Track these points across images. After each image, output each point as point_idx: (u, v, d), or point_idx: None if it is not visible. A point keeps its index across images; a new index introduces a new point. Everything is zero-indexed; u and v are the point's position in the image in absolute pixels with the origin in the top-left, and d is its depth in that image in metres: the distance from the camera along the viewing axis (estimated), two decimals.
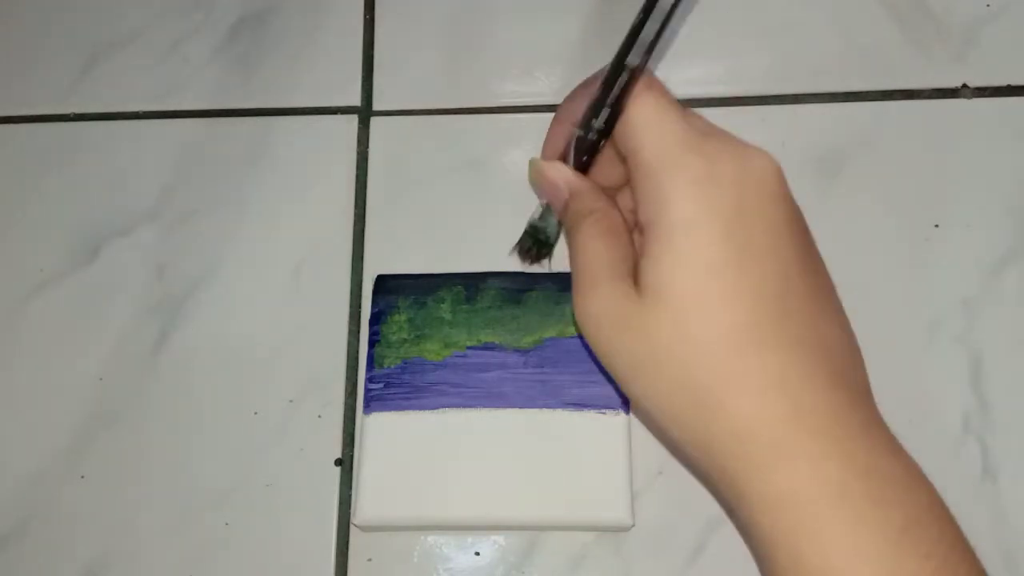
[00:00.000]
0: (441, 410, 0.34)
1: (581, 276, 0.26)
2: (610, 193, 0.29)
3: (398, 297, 0.37)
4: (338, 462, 0.36)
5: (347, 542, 0.35)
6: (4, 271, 0.40)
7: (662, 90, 0.26)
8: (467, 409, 0.34)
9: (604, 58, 0.41)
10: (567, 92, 0.41)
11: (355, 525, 0.34)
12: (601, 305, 0.25)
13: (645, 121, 0.25)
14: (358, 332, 0.38)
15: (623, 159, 0.27)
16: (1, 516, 0.36)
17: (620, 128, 0.26)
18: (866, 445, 0.23)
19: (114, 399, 0.37)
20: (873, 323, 0.36)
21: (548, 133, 0.30)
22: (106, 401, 0.37)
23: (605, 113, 0.27)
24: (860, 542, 0.22)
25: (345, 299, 0.38)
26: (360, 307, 0.38)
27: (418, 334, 0.36)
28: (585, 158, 0.28)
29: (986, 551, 0.33)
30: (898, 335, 0.36)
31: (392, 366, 0.35)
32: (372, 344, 0.36)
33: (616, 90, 0.26)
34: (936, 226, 0.38)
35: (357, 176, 0.40)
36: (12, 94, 0.43)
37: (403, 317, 0.36)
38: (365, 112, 0.41)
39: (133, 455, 0.36)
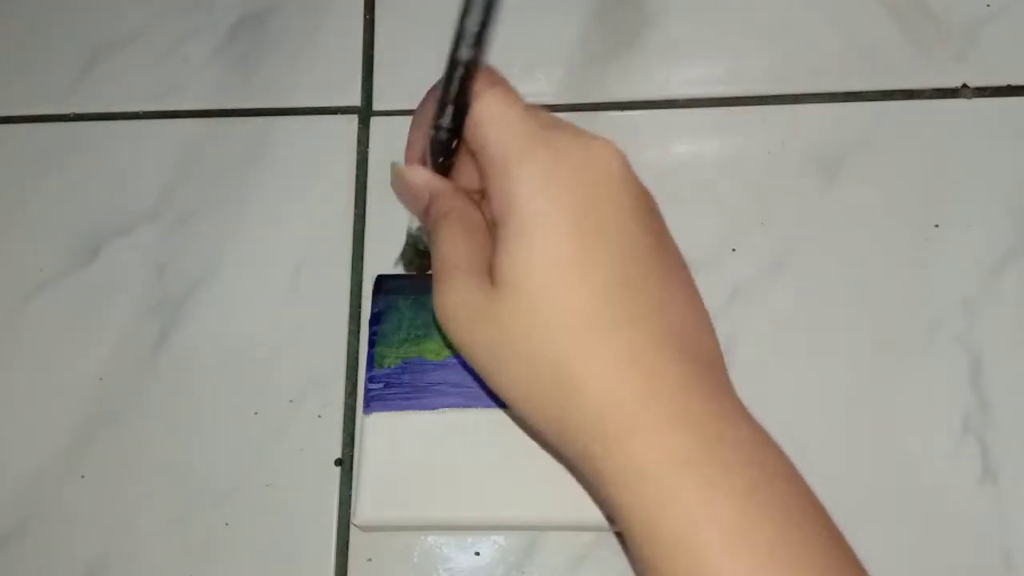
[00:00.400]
0: (441, 410, 0.34)
1: (439, 272, 0.27)
2: (475, 197, 0.29)
3: (398, 297, 0.37)
4: (338, 462, 0.36)
5: (347, 542, 0.35)
6: (4, 271, 0.40)
7: (505, 87, 0.27)
8: (467, 409, 0.34)
9: (604, 58, 0.41)
10: (567, 92, 0.41)
11: (355, 525, 0.34)
12: (458, 298, 0.26)
13: (489, 118, 0.26)
14: (358, 332, 0.38)
15: (474, 157, 0.27)
16: (1, 516, 0.36)
17: (468, 126, 0.27)
18: (712, 413, 0.24)
19: (114, 399, 0.37)
20: (873, 323, 0.36)
21: (407, 139, 0.30)
22: (106, 401, 0.37)
23: (449, 110, 0.27)
24: (709, 507, 0.22)
25: (345, 299, 0.38)
26: (360, 307, 0.38)
27: (418, 334, 0.36)
28: (442, 159, 0.29)
29: (986, 551, 0.33)
30: (898, 335, 0.36)
31: (392, 366, 0.35)
32: (372, 344, 0.36)
33: (454, 85, 0.26)
34: (936, 226, 0.38)
35: (357, 176, 0.40)
36: (12, 94, 0.43)
37: (403, 317, 0.36)
38: (365, 112, 0.41)
39: (133, 455, 0.36)
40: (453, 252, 0.27)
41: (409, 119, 0.41)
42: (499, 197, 0.25)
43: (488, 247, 0.27)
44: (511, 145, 0.25)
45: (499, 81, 0.27)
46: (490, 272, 0.26)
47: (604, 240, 0.25)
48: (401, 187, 0.30)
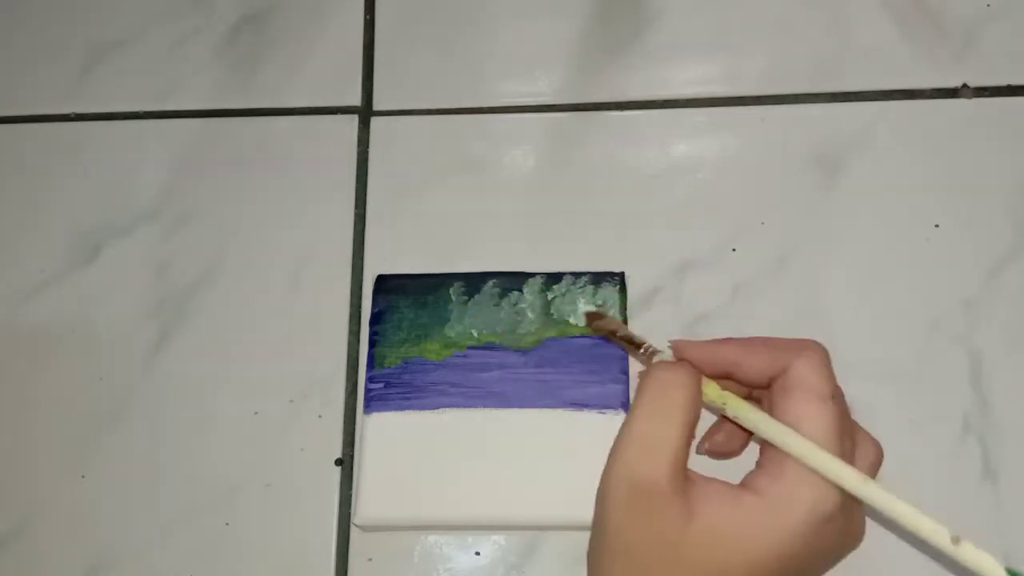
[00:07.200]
0: (441, 410, 0.34)
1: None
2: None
3: (398, 297, 0.37)
4: (338, 462, 0.36)
5: (347, 542, 0.35)
6: (4, 271, 0.40)
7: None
8: (467, 409, 0.34)
9: (604, 58, 0.41)
10: (567, 92, 0.41)
11: (355, 525, 0.34)
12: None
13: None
14: (358, 332, 0.38)
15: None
16: (1, 516, 0.36)
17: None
18: None
19: (114, 399, 0.37)
20: (873, 323, 0.36)
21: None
22: (106, 401, 0.37)
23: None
24: None
25: (345, 299, 0.38)
26: (360, 307, 0.38)
27: (418, 334, 0.36)
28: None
29: (986, 551, 0.33)
30: (898, 335, 0.36)
31: (392, 366, 0.35)
32: (372, 344, 0.36)
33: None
34: (936, 226, 0.38)
35: (357, 176, 0.40)
36: (12, 94, 0.43)
37: (403, 317, 0.36)
38: (365, 112, 0.41)
39: (133, 455, 0.36)
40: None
41: (409, 119, 0.41)
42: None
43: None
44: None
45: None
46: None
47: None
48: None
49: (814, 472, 0.27)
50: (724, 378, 0.31)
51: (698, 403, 0.29)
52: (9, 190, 0.41)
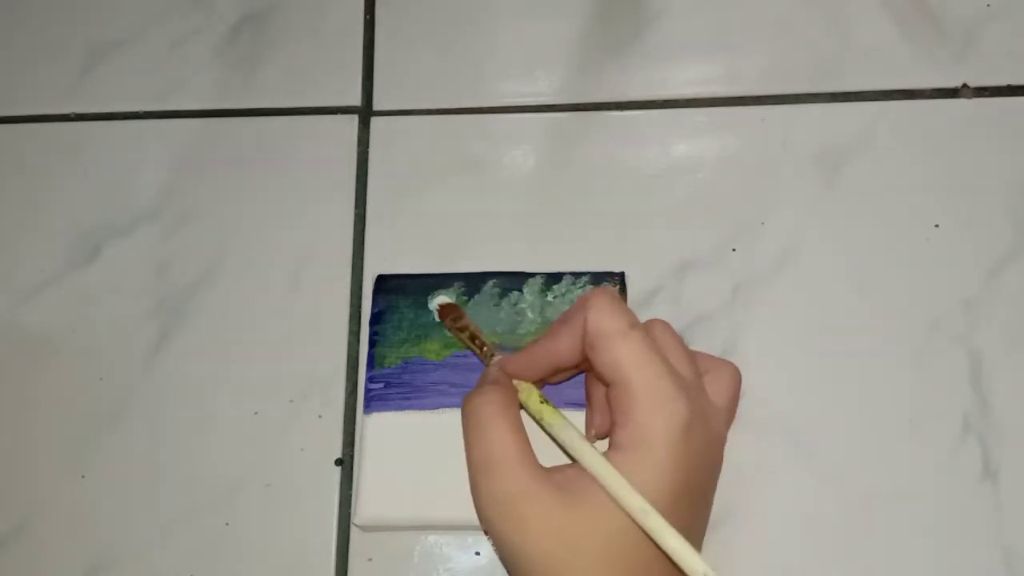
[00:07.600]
0: (441, 410, 0.34)
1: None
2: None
3: (398, 297, 0.37)
4: (338, 462, 0.36)
5: (347, 542, 0.35)
6: (4, 271, 0.40)
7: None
8: None
9: (604, 58, 0.41)
10: (567, 92, 0.41)
11: (355, 525, 0.34)
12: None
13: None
14: (358, 332, 0.38)
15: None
16: (1, 516, 0.36)
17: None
18: None
19: (114, 399, 0.37)
20: (873, 323, 0.36)
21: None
22: (106, 401, 0.37)
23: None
24: None
25: (345, 299, 0.38)
26: (360, 307, 0.38)
27: (418, 334, 0.36)
28: None
29: (986, 551, 0.33)
30: (898, 335, 0.36)
31: (392, 366, 0.35)
32: (372, 344, 0.36)
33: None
34: (936, 226, 0.38)
35: (357, 176, 0.40)
36: (12, 94, 0.43)
37: (403, 317, 0.36)
38: (365, 112, 0.41)
39: (133, 455, 0.36)
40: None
41: (409, 119, 0.41)
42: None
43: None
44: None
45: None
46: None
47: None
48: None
49: (606, 489, 0.27)
50: (557, 374, 0.32)
51: (511, 407, 0.30)
52: (9, 190, 0.41)
